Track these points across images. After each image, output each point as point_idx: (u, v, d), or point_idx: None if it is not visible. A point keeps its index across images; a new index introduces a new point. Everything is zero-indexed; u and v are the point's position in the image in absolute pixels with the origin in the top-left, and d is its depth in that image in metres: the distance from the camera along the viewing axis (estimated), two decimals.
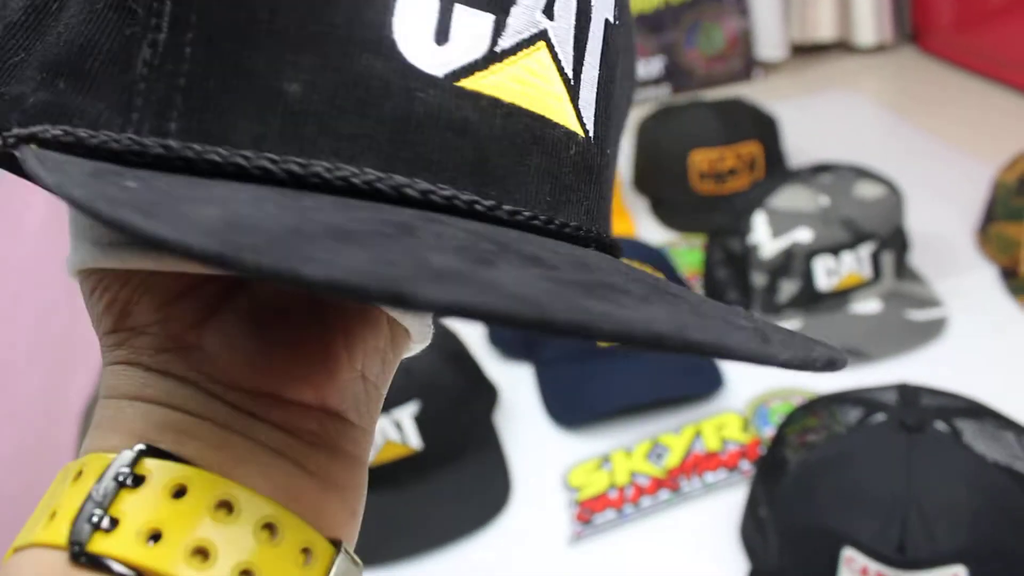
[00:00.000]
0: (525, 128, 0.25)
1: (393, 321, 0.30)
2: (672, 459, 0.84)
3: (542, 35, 0.25)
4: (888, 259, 0.99)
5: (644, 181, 1.31)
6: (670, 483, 0.81)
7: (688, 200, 1.24)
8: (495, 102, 0.24)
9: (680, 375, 0.90)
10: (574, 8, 0.26)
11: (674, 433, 0.86)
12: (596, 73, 0.27)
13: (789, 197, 0.99)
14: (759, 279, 0.98)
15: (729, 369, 0.93)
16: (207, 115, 0.23)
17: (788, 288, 0.97)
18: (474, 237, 0.21)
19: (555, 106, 0.26)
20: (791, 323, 0.97)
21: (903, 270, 1.02)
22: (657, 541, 0.77)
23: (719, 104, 1.27)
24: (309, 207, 0.20)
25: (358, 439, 0.28)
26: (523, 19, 0.25)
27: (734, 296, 1.01)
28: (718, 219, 1.06)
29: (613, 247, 0.29)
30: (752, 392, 0.91)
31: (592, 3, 0.27)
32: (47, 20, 0.25)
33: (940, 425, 0.66)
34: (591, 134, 0.27)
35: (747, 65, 1.75)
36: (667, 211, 1.26)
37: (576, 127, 0.27)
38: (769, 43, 1.76)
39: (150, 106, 0.23)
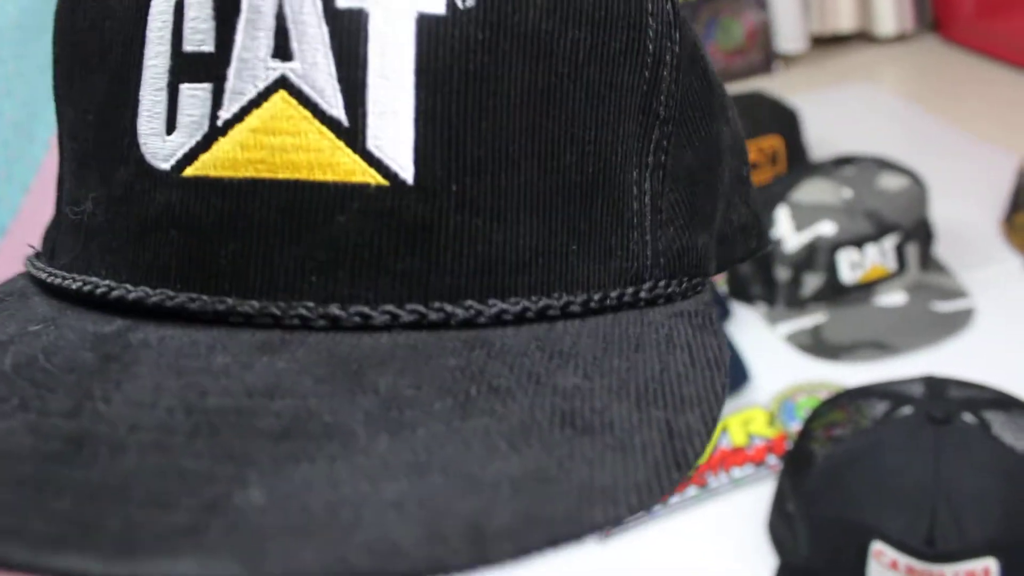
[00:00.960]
0: (265, 203, 0.21)
1: None
2: None
3: (279, 83, 0.21)
4: (913, 251, 0.98)
5: None
6: (697, 479, 0.81)
7: None
8: (214, 183, 0.22)
9: None
10: (326, 32, 0.21)
11: None
12: (411, 96, 0.21)
13: (811, 190, 0.99)
14: (783, 273, 0.98)
15: (754, 364, 0.93)
16: (52, 238, 0.27)
17: (812, 282, 0.97)
18: (96, 365, 0.22)
19: (314, 161, 0.21)
20: (816, 316, 0.97)
21: (928, 261, 1.01)
22: (685, 537, 0.77)
23: (739, 98, 1.27)
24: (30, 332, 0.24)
25: None
26: (247, 73, 0.21)
27: (758, 290, 1.01)
28: None
29: (523, 309, 0.23)
30: (778, 387, 0.91)
31: (361, 8, 0.21)
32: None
33: (968, 417, 0.65)
34: (405, 175, 0.21)
35: (767, 58, 1.74)
36: None
37: (368, 176, 0.21)
38: (788, 35, 1.75)
39: (51, 233, 0.28)
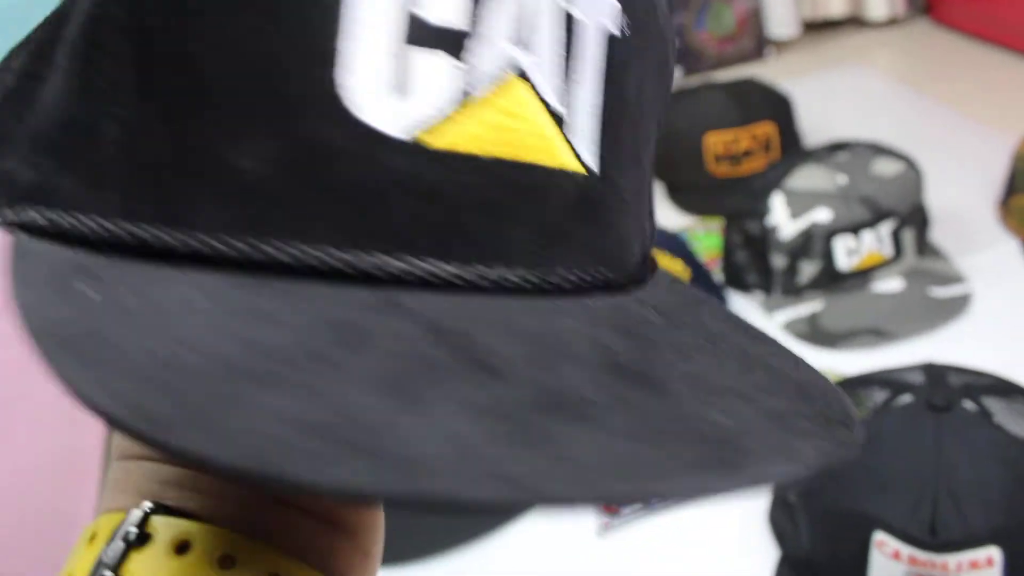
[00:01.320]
0: (504, 181, 0.23)
1: None
2: None
3: (516, 69, 0.23)
4: (909, 236, 0.97)
5: (659, 166, 1.30)
6: None
7: (704, 183, 1.23)
8: (466, 158, 0.22)
9: None
10: (557, 31, 0.23)
11: None
12: (597, 98, 0.25)
13: (806, 177, 0.98)
14: (779, 261, 0.97)
15: None
16: (170, 196, 0.22)
17: (808, 269, 0.96)
18: (429, 335, 0.20)
19: (542, 147, 0.23)
20: (812, 304, 0.96)
21: (924, 247, 1.01)
22: (686, 529, 0.76)
23: (732, 85, 1.26)
24: (260, 312, 0.20)
25: None
26: (492, 56, 0.22)
27: (754, 279, 1.00)
28: (735, 202, 1.05)
29: (633, 275, 0.27)
30: None
31: (581, 20, 0.24)
32: (37, 86, 0.24)
33: (968, 404, 0.65)
34: (593, 167, 0.25)
35: (758, 44, 1.73)
36: (684, 195, 1.25)
37: (572, 164, 0.24)
38: (780, 21, 1.74)
39: (117, 186, 0.22)
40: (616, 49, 0.25)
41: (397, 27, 0.21)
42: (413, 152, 0.22)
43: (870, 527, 0.62)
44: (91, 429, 0.92)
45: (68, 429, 0.87)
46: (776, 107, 1.25)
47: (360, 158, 0.21)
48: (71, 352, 0.17)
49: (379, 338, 0.20)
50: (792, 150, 1.21)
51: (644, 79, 0.27)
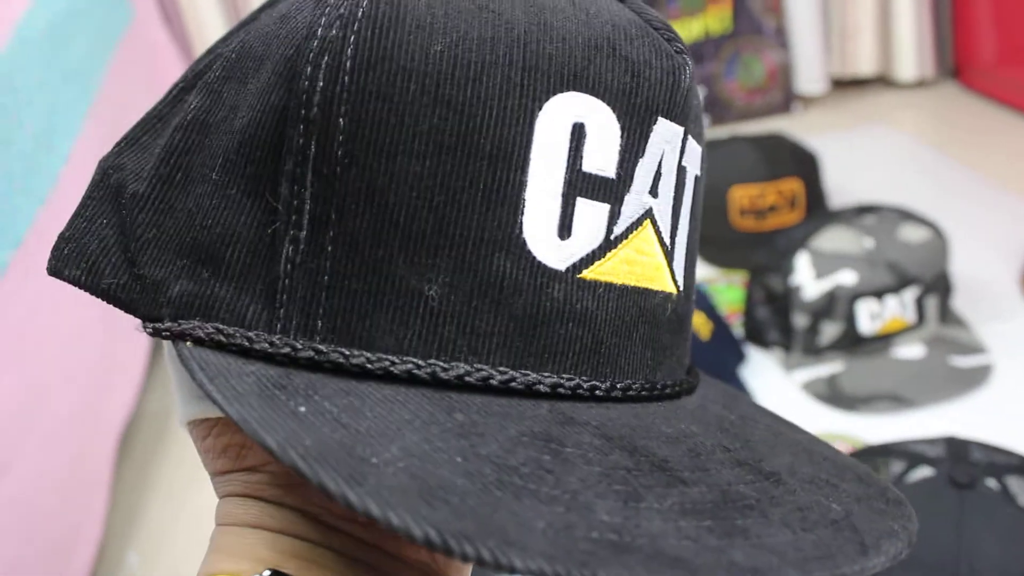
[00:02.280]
0: (632, 305, 0.27)
1: None
2: None
3: (647, 214, 0.27)
4: (932, 303, 0.97)
5: None
6: None
7: (728, 236, 1.23)
8: (609, 287, 0.26)
9: None
10: (674, 180, 0.28)
11: None
12: (687, 231, 0.29)
13: (833, 238, 0.98)
14: (801, 320, 0.97)
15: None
16: (351, 316, 0.24)
17: (830, 330, 0.96)
18: (604, 443, 0.24)
19: (656, 275, 0.27)
20: (833, 365, 0.96)
21: (947, 314, 1.00)
22: None
23: (760, 139, 1.26)
24: (468, 429, 0.22)
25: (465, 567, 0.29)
26: (634, 203, 0.26)
27: (775, 336, 1.00)
28: (759, 257, 1.05)
29: (696, 377, 0.31)
30: None
31: (687, 167, 0.28)
32: (173, 192, 0.26)
33: (991, 482, 0.64)
34: (682, 287, 0.29)
35: (786, 98, 1.74)
36: (707, 247, 1.25)
37: (671, 287, 0.28)
38: (809, 76, 1.75)
39: (295, 303, 0.24)
40: (698, 189, 0.30)
41: (568, 179, 0.25)
42: (570, 282, 0.25)
43: None
44: (101, 443, 0.92)
45: (78, 443, 0.87)
46: (803, 164, 1.25)
47: (532, 289, 0.25)
48: (351, 480, 0.19)
49: (572, 448, 0.23)
50: (818, 208, 1.22)
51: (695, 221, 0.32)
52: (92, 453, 0.90)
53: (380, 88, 0.24)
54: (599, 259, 0.26)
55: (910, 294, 0.96)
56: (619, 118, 0.26)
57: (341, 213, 0.24)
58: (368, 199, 0.24)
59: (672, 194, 0.28)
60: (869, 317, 0.95)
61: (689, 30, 1.68)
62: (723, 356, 0.98)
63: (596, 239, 0.25)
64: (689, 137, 0.28)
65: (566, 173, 0.25)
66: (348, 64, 0.24)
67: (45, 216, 0.86)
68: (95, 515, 0.87)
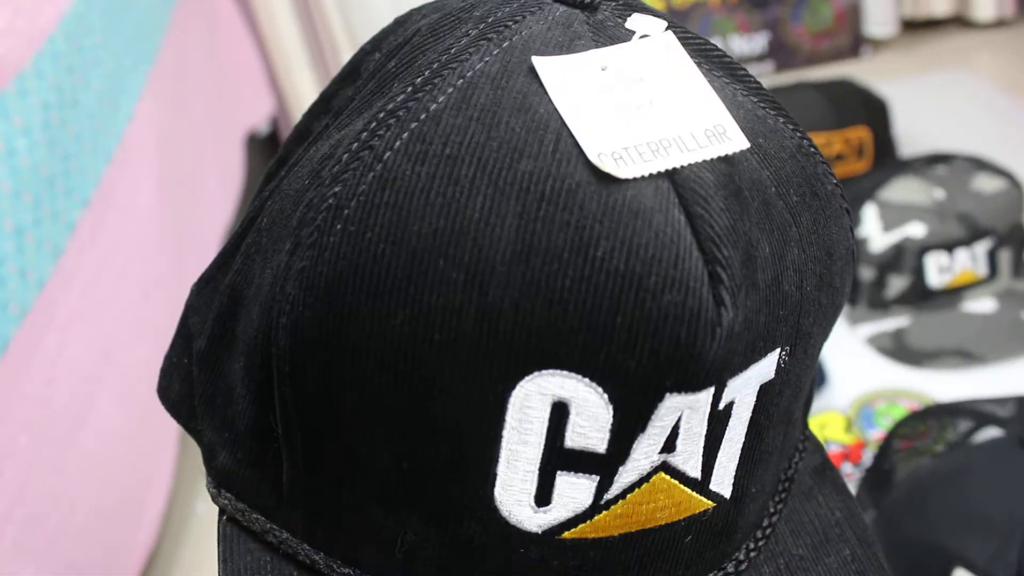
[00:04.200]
0: (637, 548, 0.25)
1: None
2: None
3: (660, 468, 0.24)
4: (1005, 257, 0.94)
5: None
6: None
7: None
8: (593, 542, 0.25)
9: None
10: (703, 429, 0.25)
11: None
12: (739, 448, 0.26)
13: (902, 189, 0.95)
14: (867, 273, 0.95)
15: (832, 366, 0.90)
16: (341, 538, 0.26)
17: (897, 284, 0.94)
18: None
19: (673, 512, 0.25)
20: (899, 320, 0.94)
21: (1021, 268, 0.97)
22: None
23: (827, 85, 1.22)
24: None
25: None
26: (634, 469, 0.24)
27: None
28: None
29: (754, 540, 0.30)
30: (856, 391, 0.88)
31: (734, 402, 0.25)
32: (223, 353, 0.27)
33: None
34: (726, 496, 0.27)
35: (855, 42, 1.69)
36: None
37: (704, 505, 0.26)
38: (879, 19, 1.69)
39: (298, 511, 0.26)
40: (769, 391, 0.26)
41: (547, 456, 0.24)
42: (548, 544, 0.25)
43: (951, 563, 0.60)
44: None
45: (149, 397, 0.90)
46: (872, 111, 1.21)
47: (503, 551, 0.25)
48: None
49: None
50: (886, 158, 1.18)
51: (803, 375, 0.28)
52: (162, 408, 0.93)
53: (333, 362, 0.23)
54: (584, 520, 0.24)
55: (982, 247, 0.93)
56: (611, 399, 0.22)
57: (323, 460, 0.25)
58: (344, 452, 0.25)
59: (705, 432, 0.24)
60: (938, 270, 0.93)
61: None
62: None
63: (580, 506, 0.24)
64: (742, 374, 0.24)
65: (543, 451, 0.23)
66: (304, 333, 0.24)
67: (112, 174, 0.88)
68: (165, 467, 0.90)
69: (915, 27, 1.74)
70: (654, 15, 0.27)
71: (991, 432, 0.65)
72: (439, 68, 0.24)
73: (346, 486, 0.25)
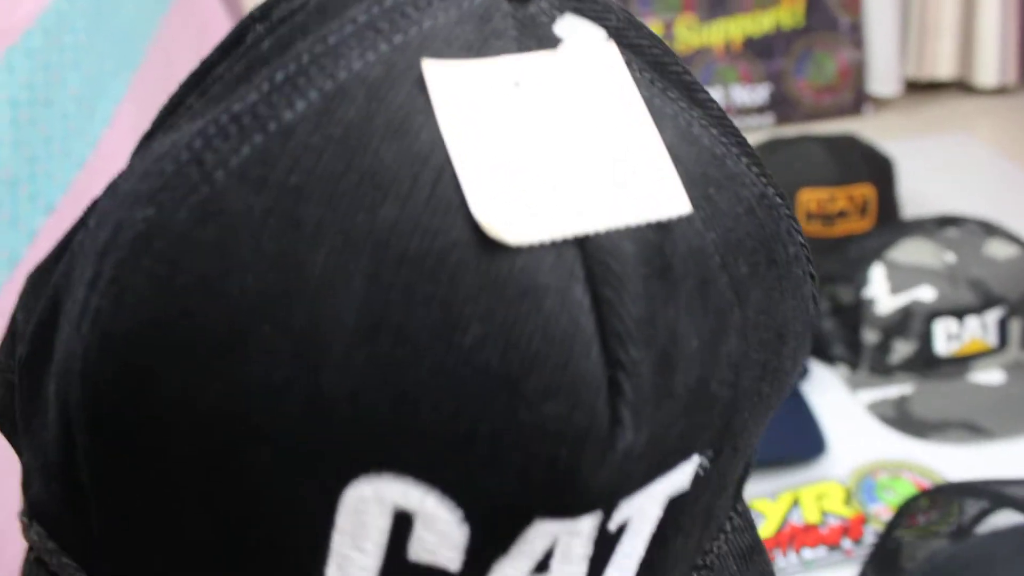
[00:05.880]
0: None
1: None
2: (767, 529, 0.77)
3: None
4: (1017, 327, 0.90)
5: None
6: None
7: None
8: None
9: (779, 436, 0.83)
10: (591, 545, 0.20)
11: (770, 499, 0.79)
12: (636, 562, 0.21)
13: (912, 251, 0.91)
14: (871, 336, 0.91)
15: (832, 432, 0.85)
16: None
17: (903, 349, 0.90)
18: None
19: None
20: (903, 387, 0.89)
21: None
22: None
23: (831, 140, 1.19)
24: None
25: None
26: None
27: (840, 351, 0.94)
28: (828, 266, 0.98)
29: None
30: (856, 461, 0.84)
31: (631, 520, 0.20)
32: (41, 367, 0.22)
33: None
34: None
35: (857, 99, 1.67)
36: None
37: None
38: (882, 77, 1.67)
39: (108, 563, 0.21)
40: (676, 505, 0.21)
41: (385, 567, 0.19)
42: None
43: None
44: None
45: None
46: (877, 169, 1.18)
47: None
48: None
49: None
50: (889, 217, 1.15)
51: (732, 470, 0.24)
52: None
53: (133, 431, 0.19)
54: None
55: (993, 316, 0.89)
56: (467, 518, 0.18)
57: (131, 521, 0.20)
58: (154, 520, 0.20)
59: (586, 558, 0.20)
60: (946, 337, 0.89)
61: (760, 24, 1.61)
62: None
63: None
64: (646, 488, 0.20)
65: (383, 562, 0.19)
66: (99, 388, 0.19)
67: (81, 181, 0.83)
68: None
69: (918, 88, 1.73)
70: (600, 16, 0.21)
71: (1009, 516, 0.61)
72: (308, 63, 0.19)
73: (159, 553, 0.20)
